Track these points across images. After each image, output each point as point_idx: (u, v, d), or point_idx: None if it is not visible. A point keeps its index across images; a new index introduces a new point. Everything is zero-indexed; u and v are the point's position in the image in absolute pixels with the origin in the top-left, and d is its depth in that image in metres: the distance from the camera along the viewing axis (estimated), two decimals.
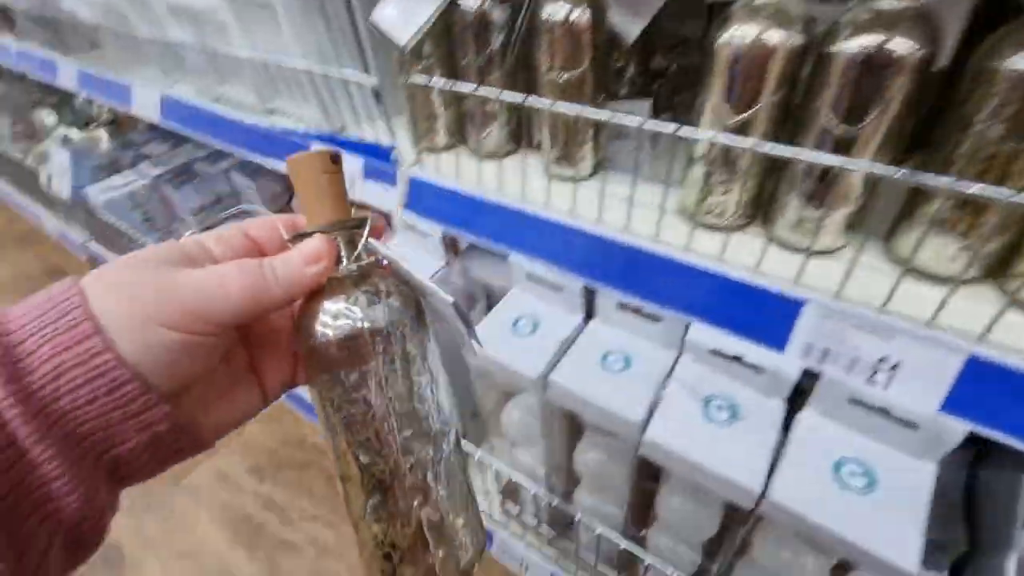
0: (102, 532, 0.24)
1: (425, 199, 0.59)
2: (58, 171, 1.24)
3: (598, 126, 0.51)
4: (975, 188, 0.30)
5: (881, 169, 0.33)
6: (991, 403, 0.33)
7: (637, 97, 0.56)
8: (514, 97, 0.46)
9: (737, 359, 0.41)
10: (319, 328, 0.25)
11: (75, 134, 1.40)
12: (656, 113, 0.55)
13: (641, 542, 0.60)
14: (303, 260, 0.25)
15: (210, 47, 0.70)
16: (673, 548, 0.57)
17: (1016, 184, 0.32)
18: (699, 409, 0.42)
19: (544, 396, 0.49)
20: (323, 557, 0.94)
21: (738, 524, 0.49)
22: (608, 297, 0.49)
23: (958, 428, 0.38)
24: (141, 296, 0.22)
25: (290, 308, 0.28)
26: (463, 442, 0.54)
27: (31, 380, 0.21)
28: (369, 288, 0.26)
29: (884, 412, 0.37)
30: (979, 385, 0.33)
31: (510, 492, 0.75)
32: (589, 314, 0.53)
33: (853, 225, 0.41)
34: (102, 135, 1.39)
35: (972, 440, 0.37)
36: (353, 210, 0.28)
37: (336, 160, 0.27)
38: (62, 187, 1.19)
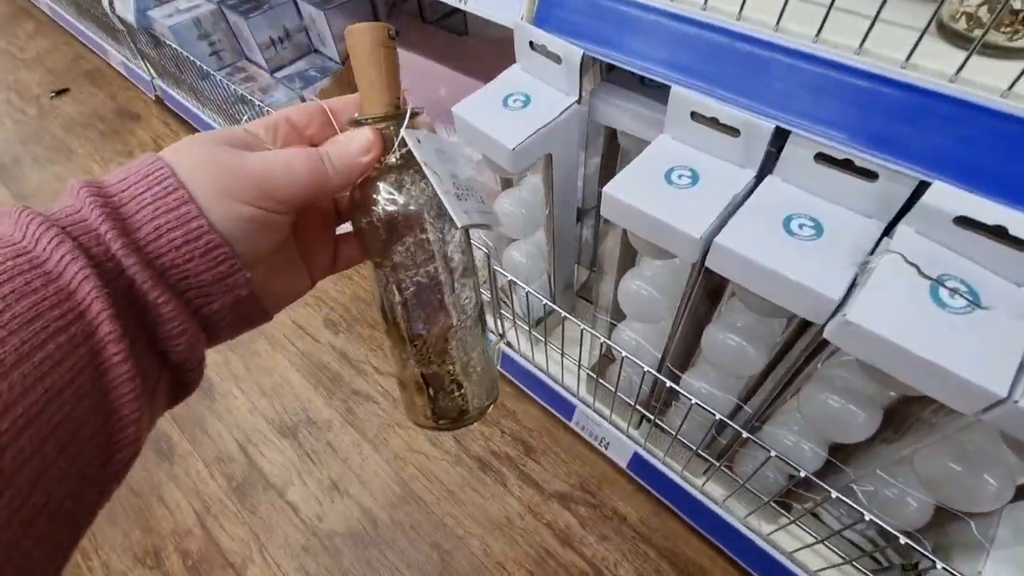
0: (197, 380, 0.26)
1: (563, 9, 0.47)
2: None
3: None
4: None
5: None
6: None
7: None
8: None
9: (999, 232, 0.31)
10: (371, 207, 0.28)
11: None
12: None
13: (756, 432, 0.55)
14: (357, 150, 0.28)
15: None
16: (796, 444, 0.52)
17: None
18: (926, 290, 0.33)
19: (702, 262, 0.41)
20: (396, 409, 0.98)
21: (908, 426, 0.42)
22: (803, 146, 0.38)
23: None
24: (219, 173, 0.24)
25: (328, 206, 0.32)
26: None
27: (138, 236, 0.22)
28: (411, 172, 0.28)
29: None
30: None
31: (600, 368, 0.71)
32: (764, 170, 0.42)
33: None
34: None
35: None
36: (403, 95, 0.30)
37: (393, 36, 0.28)
38: (126, 9, 1.10)
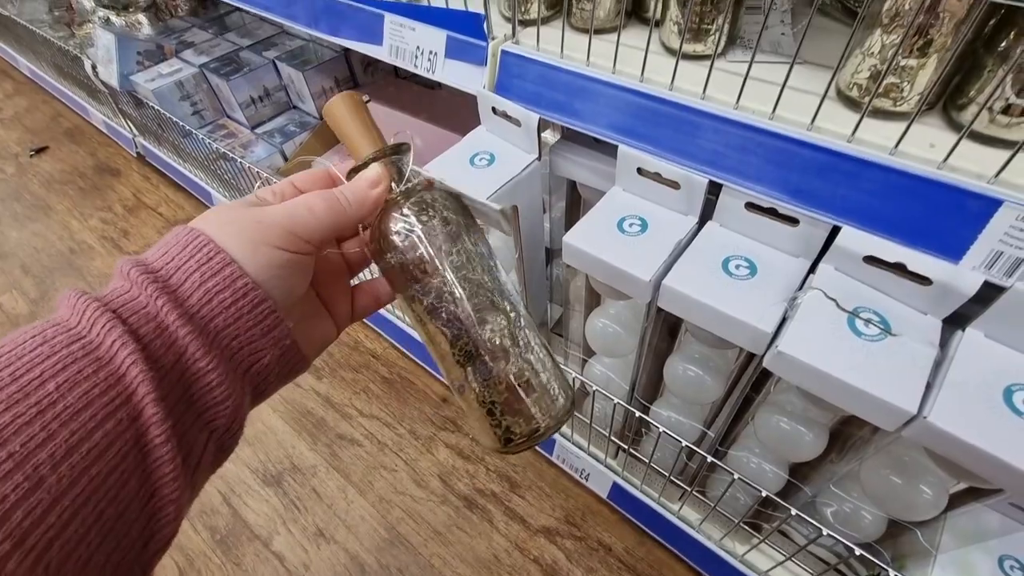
0: (237, 439, 0.27)
1: (520, 80, 0.52)
2: (104, 57, 1.18)
3: None
4: None
5: None
6: None
7: None
8: None
9: (899, 268, 0.36)
10: (389, 240, 0.30)
11: (115, 17, 1.32)
12: None
13: (722, 458, 0.58)
14: (367, 184, 0.30)
15: None
16: (759, 466, 0.55)
17: None
18: (844, 321, 0.37)
19: (654, 301, 0.45)
20: (381, 452, 0.98)
21: (854, 444, 0.46)
22: (734, 196, 0.43)
23: None
24: (247, 227, 0.26)
25: (339, 260, 0.34)
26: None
27: (190, 304, 0.24)
28: (419, 200, 0.31)
29: None
30: None
31: (577, 402, 0.74)
32: (704, 217, 0.47)
33: None
34: (143, 19, 1.31)
35: None
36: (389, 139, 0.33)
37: (365, 99, 0.32)
38: (110, 74, 1.14)
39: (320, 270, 0.32)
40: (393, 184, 0.32)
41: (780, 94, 0.39)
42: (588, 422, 0.65)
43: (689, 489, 0.60)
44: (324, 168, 0.33)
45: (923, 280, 0.36)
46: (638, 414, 0.56)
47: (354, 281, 0.36)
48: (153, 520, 0.22)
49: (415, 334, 1.00)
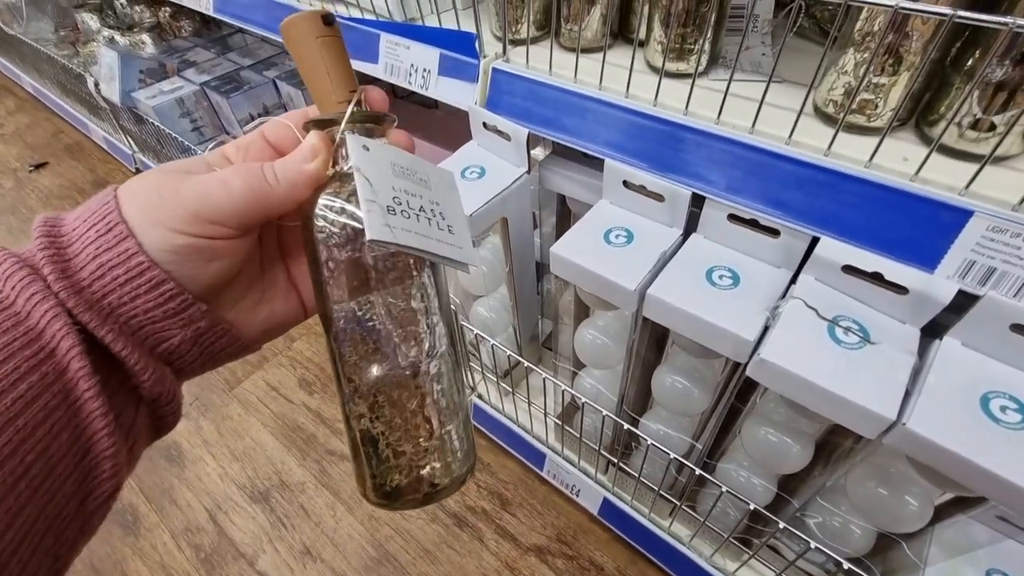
0: (176, 412, 0.25)
1: (510, 96, 0.54)
2: (106, 74, 1.20)
3: (722, 11, 0.45)
4: None
5: None
6: None
7: None
8: None
9: (876, 277, 0.37)
10: (314, 220, 0.24)
11: (120, 37, 1.35)
12: None
13: (712, 471, 0.58)
14: (300, 157, 0.25)
15: None
16: (747, 480, 0.55)
17: None
18: (824, 329, 0.38)
19: (640, 310, 0.45)
20: None
21: (839, 454, 0.46)
22: (717, 209, 0.44)
23: None
24: (151, 201, 0.23)
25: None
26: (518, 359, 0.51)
27: (81, 277, 0.22)
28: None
29: None
30: None
31: (566, 416, 0.74)
32: (689, 229, 0.48)
33: None
34: (146, 39, 1.34)
35: None
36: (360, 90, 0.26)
37: (329, 21, 0.25)
38: (111, 91, 1.16)
39: (291, 245, 0.29)
40: (340, 158, 0.25)
41: (759, 109, 0.40)
42: (578, 436, 0.65)
43: (678, 504, 0.59)
44: (284, 118, 0.28)
45: (900, 289, 0.37)
46: (627, 427, 0.56)
47: None
48: (90, 477, 0.21)
49: None
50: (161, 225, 0.23)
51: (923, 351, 0.38)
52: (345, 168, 0.25)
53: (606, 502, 0.72)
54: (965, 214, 0.34)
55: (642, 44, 0.51)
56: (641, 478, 0.60)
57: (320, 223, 0.24)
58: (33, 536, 0.19)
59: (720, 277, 0.44)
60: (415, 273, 0.26)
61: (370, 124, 0.26)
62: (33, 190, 1.64)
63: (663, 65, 0.45)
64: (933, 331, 0.39)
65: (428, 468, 0.25)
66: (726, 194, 0.43)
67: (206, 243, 0.23)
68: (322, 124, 0.26)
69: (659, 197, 0.47)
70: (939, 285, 0.35)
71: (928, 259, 0.36)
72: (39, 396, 0.20)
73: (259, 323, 0.28)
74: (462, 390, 0.27)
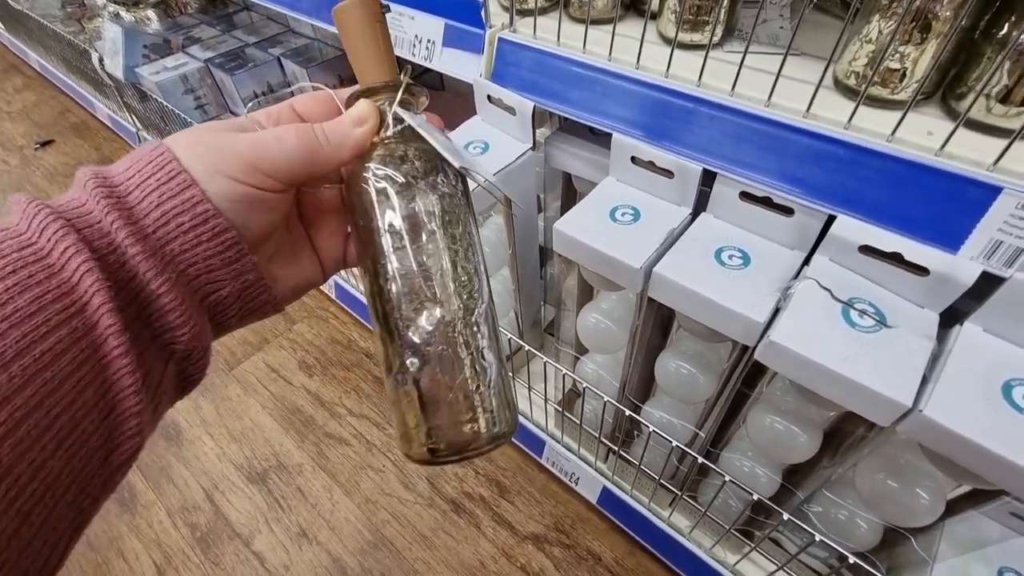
0: (202, 371, 0.26)
1: (516, 67, 0.52)
2: (110, 49, 1.19)
3: None
4: None
5: None
6: None
7: None
8: None
9: (895, 258, 0.35)
10: (361, 185, 0.27)
11: (125, 13, 1.34)
12: None
13: (715, 460, 0.57)
14: (350, 122, 0.27)
15: None
16: (751, 470, 0.54)
17: None
18: (838, 312, 0.36)
19: (644, 290, 0.44)
20: (369, 452, 0.97)
21: (852, 442, 0.44)
22: (729, 186, 0.43)
23: None
24: (211, 152, 0.24)
25: (335, 196, 0.30)
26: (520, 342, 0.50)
27: (145, 223, 0.22)
28: (407, 153, 0.27)
29: None
30: None
31: (568, 403, 0.73)
32: (698, 208, 0.46)
33: None
34: (152, 15, 1.32)
35: None
36: (402, 71, 0.29)
37: (385, 9, 0.27)
38: (115, 66, 1.15)
39: (311, 207, 0.30)
40: (383, 129, 0.28)
41: (775, 81, 0.38)
42: (578, 423, 0.63)
43: (679, 493, 0.58)
44: (320, 93, 0.29)
45: (920, 271, 0.35)
46: (628, 413, 0.55)
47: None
48: (115, 434, 0.21)
49: None
50: (221, 174, 0.24)
51: (942, 338, 0.36)
52: (390, 135, 0.28)
53: (605, 491, 0.70)
54: (993, 191, 0.32)
55: (655, 16, 0.49)
56: (642, 467, 0.58)
57: (378, 178, 0.26)
58: (56, 488, 0.19)
59: (730, 257, 0.42)
60: (467, 217, 0.28)
61: (411, 99, 0.29)
62: (39, 168, 1.64)
63: (675, 35, 0.43)
64: (951, 319, 0.37)
65: (476, 420, 0.26)
66: (739, 170, 0.41)
67: (260, 194, 0.25)
68: (369, 94, 0.28)
69: (668, 173, 0.45)
70: (962, 266, 0.33)
71: (952, 239, 0.34)
72: (67, 349, 0.20)
73: (289, 281, 0.29)
74: (500, 345, 0.28)
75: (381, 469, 0.94)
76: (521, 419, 0.79)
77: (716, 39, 0.45)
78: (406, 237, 0.26)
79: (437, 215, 0.26)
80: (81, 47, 1.35)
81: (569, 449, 0.73)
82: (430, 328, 0.26)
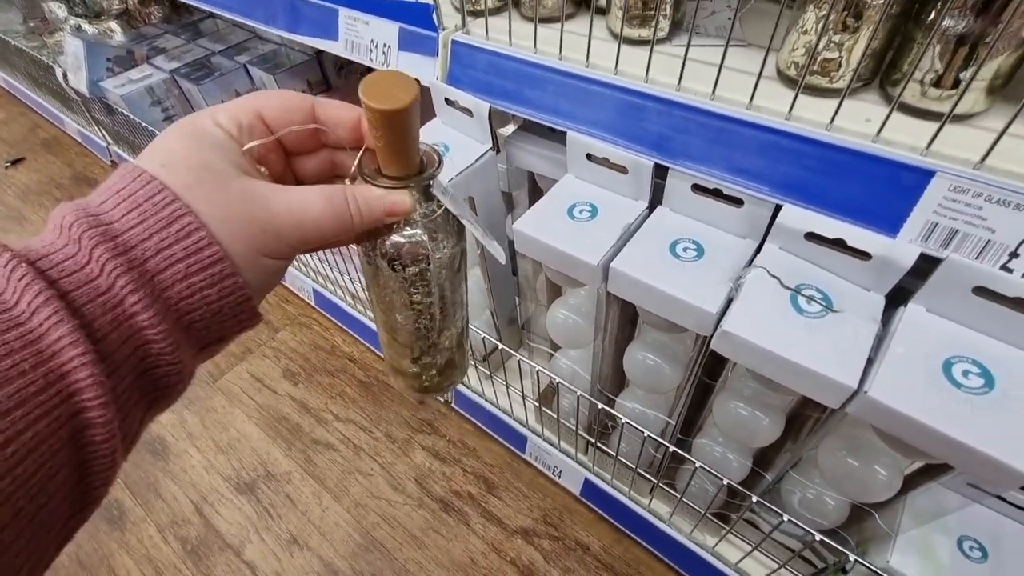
0: (184, 381, 0.25)
1: (471, 69, 0.52)
2: (73, 64, 1.17)
3: None
4: None
5: None
6: None
7: None
8: None
9: (840, 244, 0.36)
10: (388, 249, 0.28)
11: (87, 26, 1.32)
12: None
13: (688, 448, 0.58)
14: (386, 210, 0.27)
15: None
16: (722, 455, 0.55)
17: None
18: (787, 299, 0.37)
19: (604, 286, 0.44)
20: (357, 456, 0.97)
21: (808, 427, 0.45)
22: (680, 179, 0.43)
23: None
24: (252, 233, 0.23)
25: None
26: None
27: (170, 295, 0.22)
28: (434, 222, 0.28)
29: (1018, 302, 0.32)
30: None
31: (546, 398, 0.74)
32: (654, 201, 0.47)
33: (998, 85, 0.33)
34: (115, 27, 1.30)
35: None
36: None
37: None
38: (79, 80, 1.13)
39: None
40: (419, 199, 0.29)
41: (718, 74, 0.39)
42: (556, 417, 0.64)
43: (656, 481, 0.59)
44: (308, 109, 0.27)
45: (863, 255, 0.36)
46: (600, 406, 0.55)
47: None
48: (76, 503, 0.21)
49: None
50: (261, 254, 0.24)
51: (889, 319, 0.37)
52: (417, 215, 0.29)
53: (587, 482, 0.71)
54: (927, 174, 0.33)
55: (604, 12, 0.49)
56: (619, 457, 0.59)
57: (400, 251, 0.28)
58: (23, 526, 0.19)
59: (685, 249, 0.43)
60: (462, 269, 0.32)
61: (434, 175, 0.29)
62: (11, 186, 1.61)
63: (621, 31, 0.43)
64: (900, 298, 0.38)
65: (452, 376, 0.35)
66: (688, 163, 0.41)
67: (288, 263, 0.26)
68: (398, 179, 0.28)
69: (623, 169, 0.46)
70: (901, 249, 0.34)
71: (891, 223, 0.35)
72: (44, 442, 0.19)
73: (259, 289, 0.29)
74: (467, 335, 0.35)
75: (369, 473, 0.95)
76: (502, 415, 0.80)
77: (663, 33, 0.45)
78: (425, 295, 0.30)
79: (450, 266, 0.30)
80: (45, 63, 1.33)
81: (550, 443, 0.74)
82: (449, 332, 0.33)
